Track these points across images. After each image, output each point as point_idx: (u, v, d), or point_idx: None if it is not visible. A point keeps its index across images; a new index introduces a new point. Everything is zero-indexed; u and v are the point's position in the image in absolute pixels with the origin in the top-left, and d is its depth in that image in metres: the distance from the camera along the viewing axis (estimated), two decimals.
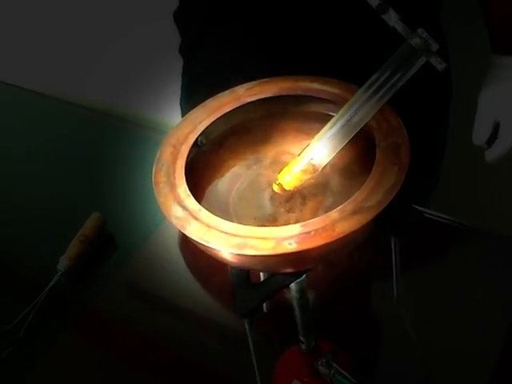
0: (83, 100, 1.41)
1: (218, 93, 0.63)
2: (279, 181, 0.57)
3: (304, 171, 0.57)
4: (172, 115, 1.08)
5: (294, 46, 0.84)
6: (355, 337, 0.79)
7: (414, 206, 0.53)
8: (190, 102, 0.62)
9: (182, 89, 1.04)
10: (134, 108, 1.43)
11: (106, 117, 1.34)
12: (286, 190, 0.57)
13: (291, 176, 0.57)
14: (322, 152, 0.56)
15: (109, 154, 1.16)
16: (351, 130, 0.55)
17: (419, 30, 0.50)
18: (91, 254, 0.94)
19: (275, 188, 0.57)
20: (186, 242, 0.53)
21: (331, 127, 0.55)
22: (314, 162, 0.56)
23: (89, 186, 1.10)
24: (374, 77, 0.53)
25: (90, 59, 1.43)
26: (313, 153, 0.56)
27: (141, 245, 0.96)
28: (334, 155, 0.56)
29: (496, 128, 0.83)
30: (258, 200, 0.59)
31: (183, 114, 1.02)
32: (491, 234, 0.87)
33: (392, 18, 0.51)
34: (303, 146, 0.61)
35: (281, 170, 0.58)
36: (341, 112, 0.55)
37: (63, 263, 0.91)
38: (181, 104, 1.05)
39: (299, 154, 0.57)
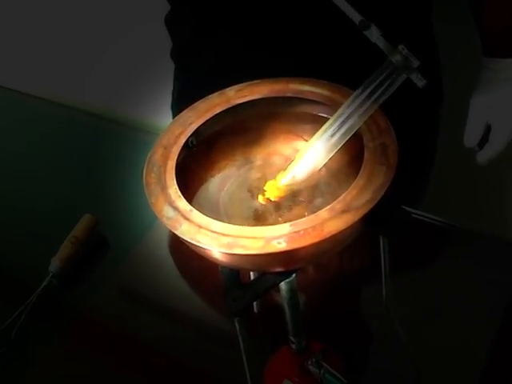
0: (76, 102, 1.41)
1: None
2: (266, 192, 0.58)
3: (289, 184, 0.57)
4: (165, 118, 1.08)
5: (284, 52, 0.84)
6: (345, 337, 0.79)
7: (404, 207, 0.53)
8: (180, 106, 0.63)
9: (173, 93, 1.05)
10: (127, 110, 1.43)
11: (99, 119, 1.34)
12: (271, 201, 0.58)
13: (277, 188, 0.58)
14: (305, 168, 0.57)
15: (101, 155, 1.17)
16: (336, 144, 0.55)
17: (400, 47, 0.51)
18: (83, 255, 0.94)
19: (261, 200, 0.58)
20: (178, 243, 0.53)
21: (316, 141, 0.56)
22: (298, 176, 0.57)
23: (81, 187, 1.10)
24: (357, 92, 0.54)
25: (85, 62, 1.44)
26: (297, 168, 0.57)
27: (133, 246, 0.96)
28: (317, 169, 0.57)
29: (487, 130, 0.84)
30: (248, 200, 0.59)
31: (174, 117, 1.02)
32: (482, 235, 0.88)
33: (374, 35, 0.52)
34: (293, 147, 0.62)
35: (265, 180, 0.59)
36: (325, 126, 0.55)
37: (55, 264, 0.91)
38: (172, 108, 1.05)
39: (285, 169, 0.58)
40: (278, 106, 0.62)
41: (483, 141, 0.84)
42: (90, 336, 0.86)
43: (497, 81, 0.84)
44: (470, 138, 0.84)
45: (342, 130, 0.54)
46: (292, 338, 0.68)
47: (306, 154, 0.56)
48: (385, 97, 0.53)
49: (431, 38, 0.94)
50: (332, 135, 0.55)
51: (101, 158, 1.16)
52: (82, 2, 1.33)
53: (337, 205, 0.49)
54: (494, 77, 0.84)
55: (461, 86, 0.89)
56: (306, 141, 0.59)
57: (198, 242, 0.49)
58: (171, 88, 1.05)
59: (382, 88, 0.53)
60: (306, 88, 0.61)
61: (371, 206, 0.49)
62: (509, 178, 1.23)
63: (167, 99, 1.06)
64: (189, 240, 0.50)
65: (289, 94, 0.62)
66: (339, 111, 0.55)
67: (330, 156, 0.56)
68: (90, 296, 0.91)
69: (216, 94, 0.63)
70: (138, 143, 1.13)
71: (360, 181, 0.51)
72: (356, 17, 0.52)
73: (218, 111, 0.61)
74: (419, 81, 0.51)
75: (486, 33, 0.85)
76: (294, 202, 0.58)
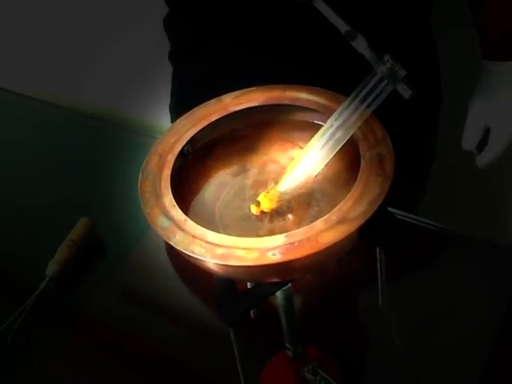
0: (74, 105, 1.41)
1: (208, 101, 0.63)
2: (259, 204, 0.58)
3: (282, 195, 0.57)
4: (164, 120, 1.08)
5: (283, 56, 0.84)
6: (342, 342, 0.79)
7: (401, 213, 0.53)
8: (179, 109, 0.63)
9: (171, 95, 1.04)
10: (125, 113, 1.43)
11: (96, 121, 1.33)
12: (264, 212, 0.57)
13: (269, 200, 0.57)
14: (297, 179, 0.57)
15: (98, 158, 1.16)
16: (326, 155, 0.55)
17: (385, 58, 0.51)
18: (80, 258, 0.94)
19: (253, 211, 0.57)
20: (174, 248, 0.53)
21: (306, 153, 0.56)
22: (291, 188, 0.57)
23: (78, 190, 1.10)
24: (345, 104, 0.54)
25: (84, 64, 1.43)
26: (289, 180, 0.57)
27: (130, 250, 0.96)
28: (309, 180, 0.57)
29: (486, 133, 0.84)
30: (244, 209, 0.59)
31: (173, 120, 1.02)
32: (478, 240, 0.88)
33: (360, 45, 0.52)
34: (289, 155, 0.62)
35: (261, 188, 0.59)
36: (315, 138, 0.55)
37: (51, 268, 0.91)
38: (170, 110, 1.05)
39: (277, 182, 0.58)
40: (275, 113, 0.62)
41: (482, 144, 0.84)
42: (87, 339, 0.86)
43: (496, 84, 0.83)
44: (469, 140, 0.84)
45: (331, 142, 0.54)
46: (288, 345, 0.68)
47: (297, 168, 0.56)
48: (375, 105, 0.53)
49: (430, 42, 0.94)
50: (322, 147, 0.55)
51: (98, 160, 1.16)
52: (82, 3, 1.32)
53: (332, 216, 0.49)
54: (493, 80, 0.84)
55: (460, 89, 0.88)
56: (302, 148, 0.59)
57: (192, 252, 0.49)
58: (170, 89, 1.05)
59: (372, 97, 0.53)
60: (303, 96, 0.61)
61: (367, 217, 0.49)
62: (508, 183, 1.22)
63: (165, 101, 1.06)
64: (183, 250, 0.50)
65: (285, 102, 0.61)
66: (329, 122, 0.55)
67: (321, 167, 0.56)
68: (86, 299, 0.91)
69: (212, 100, 0.63)
70: (136, 146, 1.12)
71: (356, 191, 0.51)
72: (343, 27, 0.52)
73: (213, 119, 0.61)
74: (405, 92, 0.51)
75: (485, 35, 0.85)
76: (289, 210, 0.58)
